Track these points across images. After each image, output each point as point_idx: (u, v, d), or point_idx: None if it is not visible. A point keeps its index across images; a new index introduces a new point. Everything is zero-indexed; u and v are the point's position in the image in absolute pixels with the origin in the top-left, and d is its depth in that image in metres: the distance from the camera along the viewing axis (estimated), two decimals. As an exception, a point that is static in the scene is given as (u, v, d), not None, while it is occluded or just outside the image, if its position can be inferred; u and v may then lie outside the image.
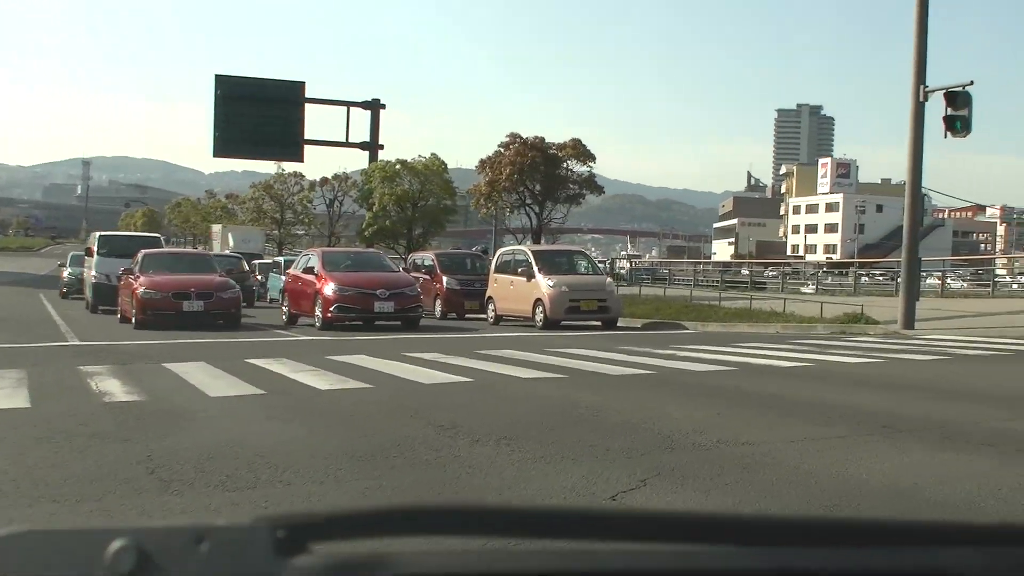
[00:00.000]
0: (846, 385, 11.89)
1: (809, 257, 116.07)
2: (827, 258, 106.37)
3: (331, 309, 22.28)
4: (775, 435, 8.18)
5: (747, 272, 60.71)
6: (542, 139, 53.53)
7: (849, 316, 22.90)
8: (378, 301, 22.36)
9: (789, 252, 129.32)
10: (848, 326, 22.05)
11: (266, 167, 79.45)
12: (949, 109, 21.30)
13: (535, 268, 24.44)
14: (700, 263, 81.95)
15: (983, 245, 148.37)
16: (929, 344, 17.79)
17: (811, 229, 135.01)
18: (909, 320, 21.45)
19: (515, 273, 25.15)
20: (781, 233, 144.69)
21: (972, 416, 9.36)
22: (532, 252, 25.83)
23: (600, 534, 0.92)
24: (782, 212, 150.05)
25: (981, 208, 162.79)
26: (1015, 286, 55.36)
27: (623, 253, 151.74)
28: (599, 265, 27.45)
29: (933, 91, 21.76)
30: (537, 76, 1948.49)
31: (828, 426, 8.63)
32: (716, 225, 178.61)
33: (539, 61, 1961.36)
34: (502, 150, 53.47)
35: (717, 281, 50.16)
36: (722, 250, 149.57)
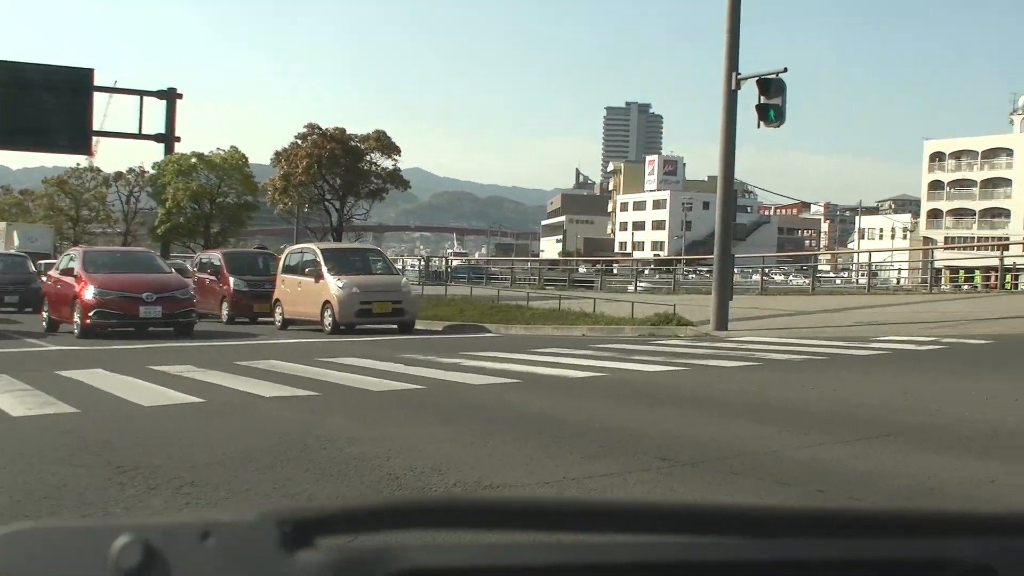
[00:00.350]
0: (636, 400, 10.32)
1: (637, 254, 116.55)
2: (655, 255, 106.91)
3: (90, 315, 20.07)
4: (532, 474, 6.63)
5: (575, 270, 59.56)
6: (343, 131, 50.66)
7: (660, 317, 21.41)
8: (144, 306, 20.23)
9: (617, 249, 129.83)
10: (658, 328, 20.58)
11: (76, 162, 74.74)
12: (762, 98, 20.06)
13: (323, 268, 22.38)
14: (528, 261, 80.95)
15: (808, 242, 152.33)
16: (739, 348, 16.36)
17: (639, 226, 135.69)
18: (722, 320, 20.10)
19: (303, 273, 23.05)
20: (609, 230, 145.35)
21: (772, 441, 7.84)
22: (321, 250, 23.67)
23: (606, 526, 0.90)
24: (610, 209, 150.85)
25: (806, 205, 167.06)
26: (838, 281, 55.70)
27: (449, 251, 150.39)
28: (395, 264, 25.34)
29: (746, 79, 20.49)
30: (359, 69, 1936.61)
31: (599, 458, 7.09)
32: (544, 223, 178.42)
33: (358, 52, 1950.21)
34: (299, 142, 50.39)
35: (548, 280, 48.56)
36: (550, 247, 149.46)
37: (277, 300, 24.10)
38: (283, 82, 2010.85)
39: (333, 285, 21.83)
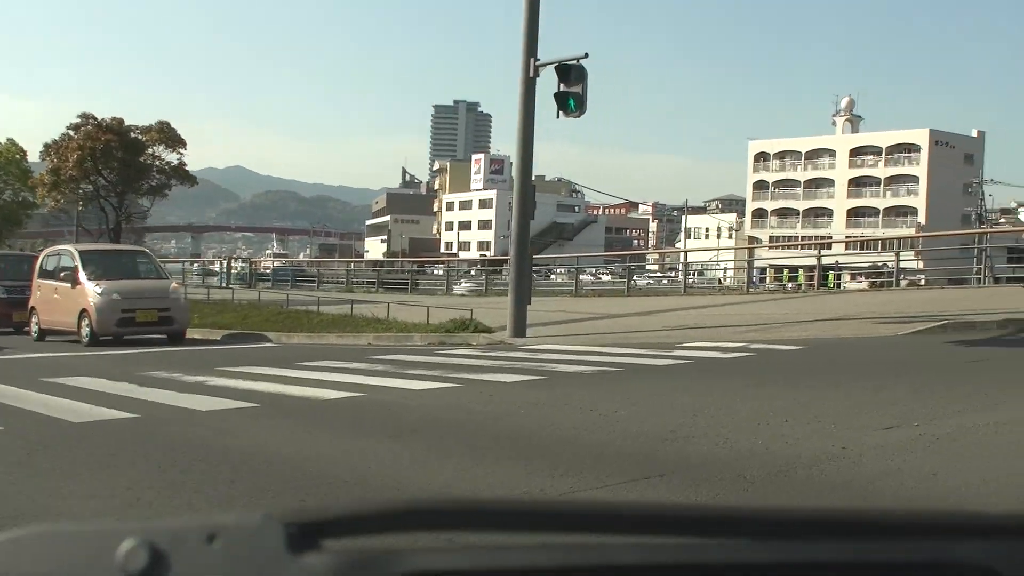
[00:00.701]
0: (368, 429, 8.74)
1: (464, 254, 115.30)
2: (481, 255, 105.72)
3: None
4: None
5: (403, 270, 57.57)
6: (121, 121, 46.72)
7: (456, 323, 19.77)
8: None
9: (443, 249, 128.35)
10: (451, 336, 18.92)
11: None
12: (561, 85, 18.57)
13: (81, 272, 20.00)
14: (351, 262, 78.65)
15: (636, 241, 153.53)
16: (530, 358, 14.77)
17: (465, 226, 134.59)
18: (519, 327, 18.52)
19: (59, 279, 20.59)
20: (435, 230, 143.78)
21: (517, 484, 6.31)
22: (79, 252, 21.26)
23: (612, 528, 0.91)
24: (436, 209, 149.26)
25: (634, 205, 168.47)
26: (665, 281, 55.26)
27: (268, 252, 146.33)
28: (164, 268, 23.00)
29: (544, 65, 18.98)
30: (169, 62, 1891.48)
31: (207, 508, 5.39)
32: (369, 222, 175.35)
33: (163, 43, 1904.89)
34: (71, 133, 46.10)
35: (384, 282, 46.32)
36: (375, 248, 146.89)
37: (33, 308, 21.63)
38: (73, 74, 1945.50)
39: (91, 291, 19.58)
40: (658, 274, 68.09)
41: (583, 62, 18.66)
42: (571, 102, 18.50)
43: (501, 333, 18.65)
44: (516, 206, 19.42)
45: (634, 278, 39.27)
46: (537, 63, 19.00)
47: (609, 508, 0.98)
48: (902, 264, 35.56)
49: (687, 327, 19.59)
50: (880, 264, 47.61)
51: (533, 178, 20.11)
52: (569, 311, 24.45)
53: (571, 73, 18.58)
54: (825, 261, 38.38)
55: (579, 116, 18.76)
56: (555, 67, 18.71)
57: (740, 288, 36.96)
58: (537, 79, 19.05)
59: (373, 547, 0.87)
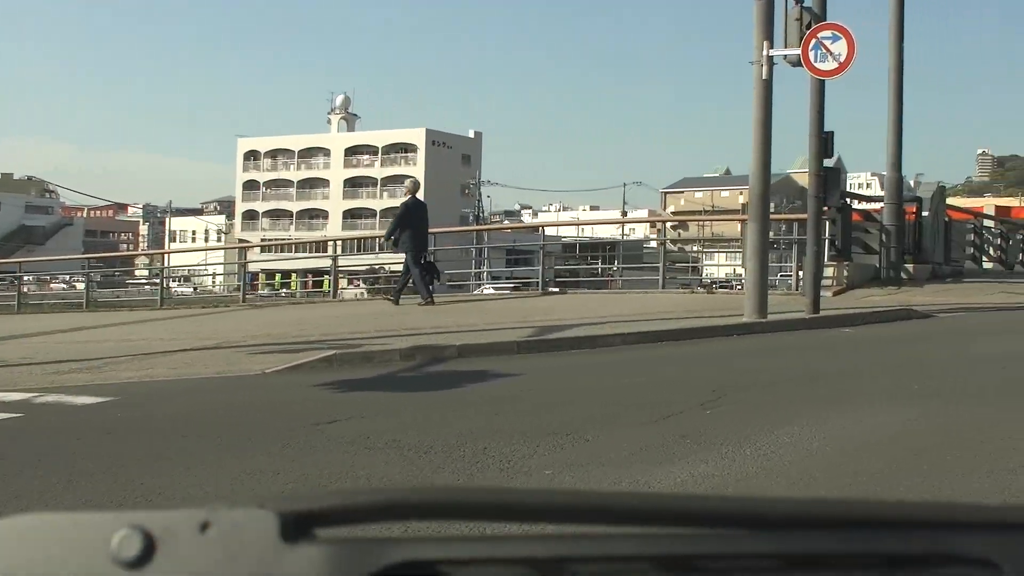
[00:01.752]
0: None
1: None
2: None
3: None
4: None
5: None
6: None
7: None
8: None
9: None
10: None
11: None
12: None
13: None
14: None
15: (126, 244, 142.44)
16: None
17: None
18: None
19: None
20: None
21: None
22: None
23: (607, 519, 0.91)
24: None
25: (123, 207, 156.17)
26: (148, 288, 45.93)
27: None
28: None
29: None
30: None
31: None
32: None
33: None
34: None
35: None
36: None
37: None
38: None
39: None
40: (143, 282, 59.07)
41: None
42: None
43: None
44: None
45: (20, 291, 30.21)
46: None
47: (603, 499, 0.96)
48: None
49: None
50: (378, 267, 43.45)
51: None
52: None
53: None
54: (323, 264, 34.31)
55: None
56: None
57: (232, 298, 29.98)
58: None
59: (367, 536, 0.87)
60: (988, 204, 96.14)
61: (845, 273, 19.75)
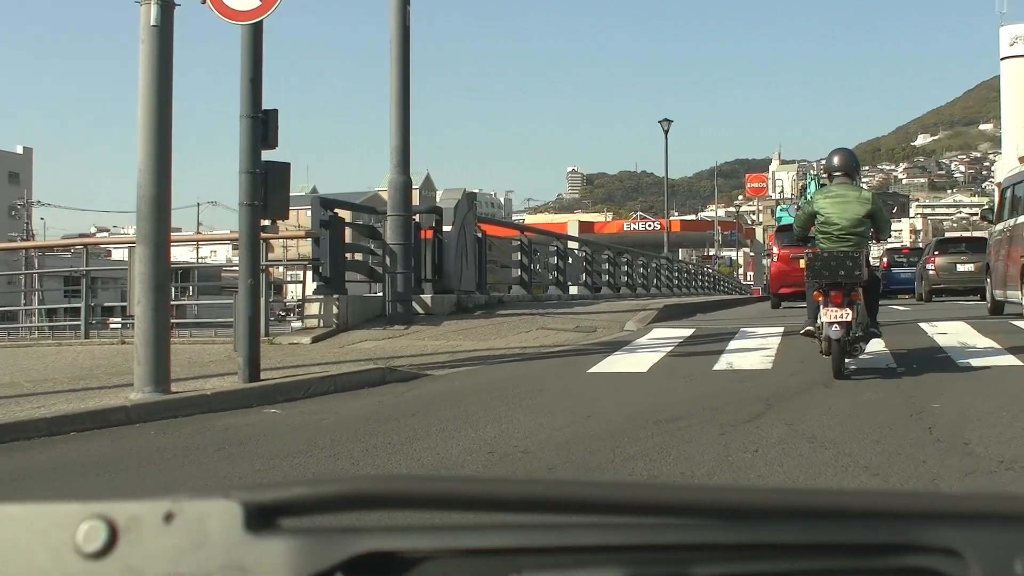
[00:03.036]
0: None
1: None
2: None
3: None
4: None
5: None
6: None
7: None
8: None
9: None
10: None
11: None
12: None
13: None
14: None
15: None
16: None
17: None
18: None
19: None
20: None
21: None
22: None
23: (577, 508, 0.90)
24: None
25: None
26: None
27: None
28: None
29: None
30: None
31: None
32: None
33: None
34: None
35: None
36: None
37: None
38: None
39: None
40: None
41: None
42: None
43: None
44: None
45: None
46: None
47: (573, 488, 0.94)
48: None
49: None
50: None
51: None
52: None
53: None
54: None
55: None
56: None
57: None
58: None
59: (331, 526, 0.87)
60: (572, 220, 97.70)
61: (335, 310, 14.60)
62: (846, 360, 9.10)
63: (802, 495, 0.90)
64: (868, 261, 9.51)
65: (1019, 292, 14.51)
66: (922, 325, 13.92)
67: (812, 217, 9.59)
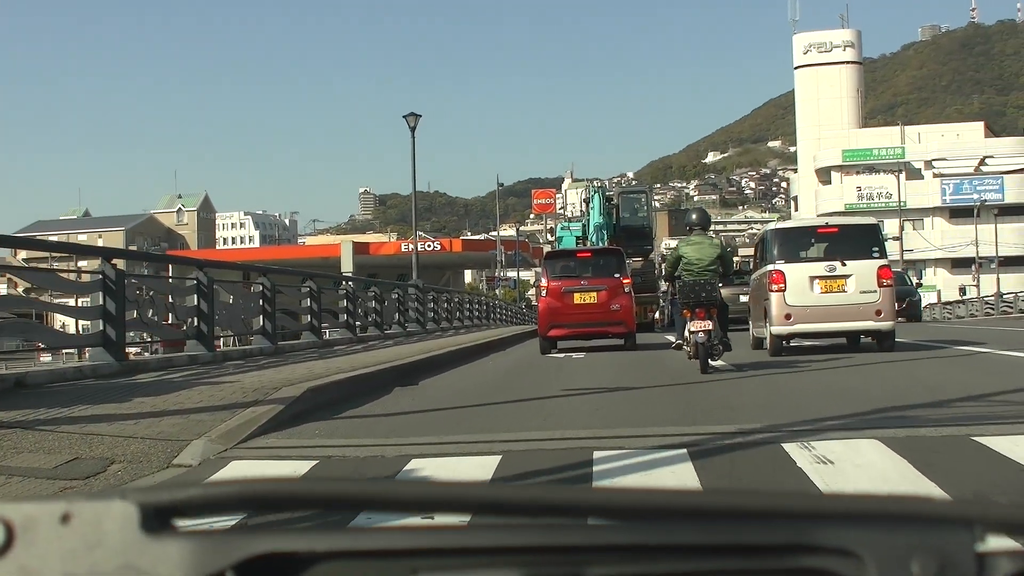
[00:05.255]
0: None
1: None
2: None
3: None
4: None
5: None
6: None
7: None
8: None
9: None
10: None
11: None
12: None
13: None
14: None
15: None
16: None
17: None
18: None
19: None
20: None
21: None
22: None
23: (465, 509, 0.92)
24: None
25: None
26: None
27: None
28: None
29: None
30: None
31: None
32: None
33: None
34: None
35: None
36: None
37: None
38: None
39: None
40: None
41: None
42: None
43: None
44: None
45: None
46: None
47: (464, 490, 0.96)
48: None
49: None
50: None
51: None
52: None
53: None
54: None
55: None
56: None
57: None
58: None
59: (226, 528, 0.80)
60: (347, 240, 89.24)
61: None
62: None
63: (698, 496, 0.91)
64: (719, 290, 13.15)
65: (764, 327, 16.78)
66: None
67: (679, 260, 13.44)
